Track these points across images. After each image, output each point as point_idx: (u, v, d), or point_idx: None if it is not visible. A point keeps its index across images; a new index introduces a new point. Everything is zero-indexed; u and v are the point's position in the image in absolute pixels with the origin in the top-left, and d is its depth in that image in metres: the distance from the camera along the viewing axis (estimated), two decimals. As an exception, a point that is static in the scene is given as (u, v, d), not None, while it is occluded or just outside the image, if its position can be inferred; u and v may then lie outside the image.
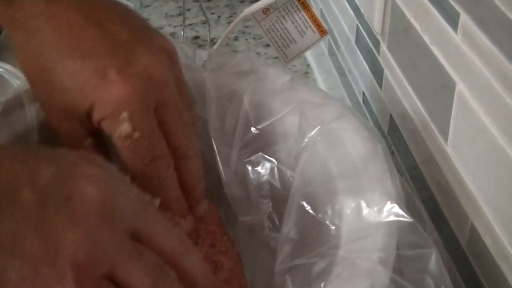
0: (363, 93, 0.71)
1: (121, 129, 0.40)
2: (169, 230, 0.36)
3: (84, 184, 0.33)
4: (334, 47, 0.82)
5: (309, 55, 0.89)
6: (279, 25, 0.65)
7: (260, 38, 0.95)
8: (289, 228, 0.41)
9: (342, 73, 0.79)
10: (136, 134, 0.40)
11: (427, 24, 0.51)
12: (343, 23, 0.76)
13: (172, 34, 0.95)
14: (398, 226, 0.39)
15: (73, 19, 0.42)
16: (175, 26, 0.99)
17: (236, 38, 0.95)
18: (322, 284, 0.37)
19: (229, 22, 0.99)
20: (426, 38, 0.51)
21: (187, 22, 0.97)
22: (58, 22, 0.42)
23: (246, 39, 0.96)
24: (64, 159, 0.35)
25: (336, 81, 0.81)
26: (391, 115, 0.62)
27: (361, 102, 0.72)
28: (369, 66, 0.68)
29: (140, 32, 0.44)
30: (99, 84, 0.40)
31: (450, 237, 0.49)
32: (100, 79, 0.40)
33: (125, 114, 0.40)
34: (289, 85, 0.48)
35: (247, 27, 0.97)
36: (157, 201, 0.40)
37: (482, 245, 0.45)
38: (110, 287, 0.32)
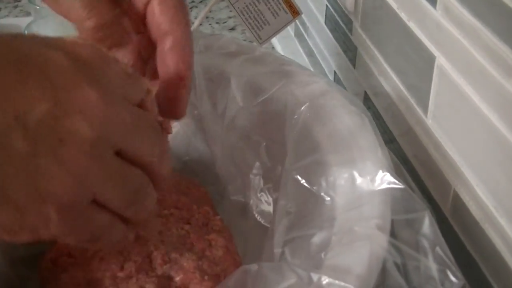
0: (335, 72, 0.72)
1: None
2: (153, 143, 0.36)
3: (78, 120, 0.32)
4: (301, 28, 0.83)
5: (273, 38, 0.90)
6: (252, 7, 0.66)
7: (224, 22, 0.95)
8: (286, 202, 0.42)
9: (310, 54, 0.81)
10: None
11: (404, 1, 0.52)
12: (311, 4, 0.77)
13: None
14: (391, 192, 0.40)
15: None
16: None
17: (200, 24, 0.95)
18: (323, 253, 0.38)
19: (192, 7, 0.99)
20: (403, 15, 0.53)
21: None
22: None
23: (210, 24, 0.96)
24: (60, 80, 0.32)
25: (304, 63, 0.83)
26: (365, 92, 0.64)
27: (333, 81, 0.73)
28: (340, 46, 0.69)
29: None
30: None
31: (433, 208, 0.51)
32: None
33: None
34: (276, 65, 0.49)
35: (210, 11, 0.97)
36: (154, 89, 0.39)
37: (466, 211, 0.47)
38: (91, 213, 0.33)
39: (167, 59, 0.41)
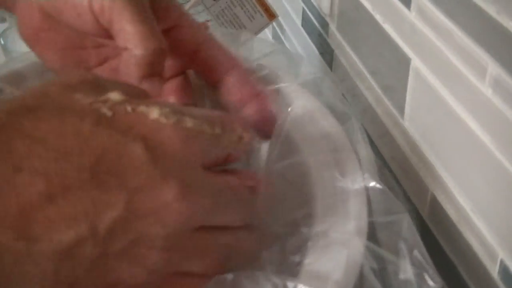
0: (312, 74, 0.72)
1: None
2: (237, 213, 0.36)
3: (150, 223, 0.32)
4: (278, 31, 0.83)
5: (251, 40, 0.90)
6: (228, 11, 0.66)
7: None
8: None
9: (288, 57, 0.80)
10: None
11: (378, 3, 0.52)
12: (287, 7, 0.77)
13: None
14: (371, 193, 0.40)
15: None
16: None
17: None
18: (298, 257, 0.38)
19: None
20: (378, 17, 0.52)
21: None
22: None
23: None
24: (136, 180, 0.31)
25: (282, 65, 0.82)
26: (342, 95, 0.63)
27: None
28: (317, 48, 0.69)
29: None
30: None
31: (410, 210, 0.51)
32: None
33: None
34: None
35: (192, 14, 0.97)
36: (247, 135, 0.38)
37: (444, 214, 0.47)
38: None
39: (243, 90, 0.44)
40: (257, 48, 0.50)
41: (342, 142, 0.43)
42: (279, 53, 0.50)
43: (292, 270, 0.36)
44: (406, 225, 0.38)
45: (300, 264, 0.37)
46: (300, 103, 0.46)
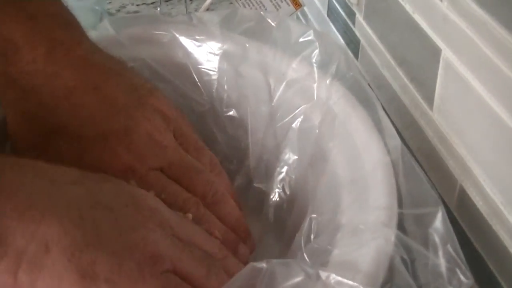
0: (337, 64, 0.71)
1: None
2: (207, 238, 0.40)
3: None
4: (303, 20, 0.82)
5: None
6: (254, -1, 0.66)
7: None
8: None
9: (311, 46, 0.80)
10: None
11: (408, -7, 0.52)
12: (313, -4, 0.77)
13: (136, 13, 0.94)
14: (403, 184, 0.40)
15: (71, 82, 0.42)
16: (137, 5, 0.97)
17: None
18: (329, 247, 0.38)
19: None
20: (407, 7, 0.52)
21: (149, 1, 0.96)
22: (56, 84, 0.42)
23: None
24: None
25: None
26: (368, 85, 0.63)
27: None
28: (343, 38, 0.68)
29: (134, 94, 0.44)
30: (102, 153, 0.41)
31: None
32: (101, 148, 0.41)
33: (132, 183, 0.41)
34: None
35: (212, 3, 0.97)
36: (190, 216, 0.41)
37: (473, 206, 0.46)
38: (174, 279, 0.35)
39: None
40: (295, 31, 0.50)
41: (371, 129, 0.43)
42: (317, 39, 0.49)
43: (322, 260, 0.36)
44: (440, 218, 0.38)
45: (330, 253, 0.37)
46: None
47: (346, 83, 0.46)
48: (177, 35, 0.52)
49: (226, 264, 0.39)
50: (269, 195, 0.48)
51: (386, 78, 0.58)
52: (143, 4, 0.91)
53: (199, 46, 0.51)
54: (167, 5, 0.94)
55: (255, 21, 0.51)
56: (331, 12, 0.71)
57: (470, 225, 0.47)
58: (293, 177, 0.46)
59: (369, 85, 0.63)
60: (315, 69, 0.47)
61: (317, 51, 0.48)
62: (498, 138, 0.42)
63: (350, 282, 0.33)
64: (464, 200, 0.47)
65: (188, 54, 0.51)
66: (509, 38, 0.39)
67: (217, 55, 0.51)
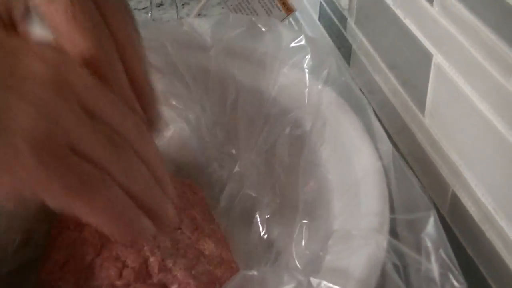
0: (329, 69, 0.71)
1: None
2: (124, 113, 0.33)
3: (33, 61, 0.31)
4: (294, 25, 0.82)
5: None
6: (245, 4, 0.65)
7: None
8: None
9: (303, 51, 0.80)
10: None
11: (400, -2, 0.52)
12: (304, 1, 0.76)
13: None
14: (395, 189, 0.40)
15: None
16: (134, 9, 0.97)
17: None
18: (321, 253, 0.38)
19: (184, 4, 0.98)
20: (398, 12, 0.52)
21: (140, 6, 0.95)
22: None
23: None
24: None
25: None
26: (360, 90, 0.63)
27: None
28: (334, 42, 0.68)
29: None
30: None
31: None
32: None
33: None
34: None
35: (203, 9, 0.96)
36: None
37: (465, 211, 0.46)
38: (73, 158, 0.30)
39: None
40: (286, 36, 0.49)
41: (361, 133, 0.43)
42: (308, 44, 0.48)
43: (314, 267, 0.36)
44: (432, 223, 0.38)
45: (321, 260, 0.36)
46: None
47: (338, 88, 0.46)
48: (167, 42, 0.51)
49: (139, 147, 0.33)
50: (260, 201, 0.48)
51: (378, 83, 0.58)
52: (134, 9, 0.91)
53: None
54: (159, 10, 0.94)
55: (246, 27, 0.51)
56: (323, 17, 0.71)
57: (462, 230, 0.47)
58: (284, 182, 0.46)
59: (360, 90, 0.63)
60: (307, 74, 0.47)
61: (308, 56, 0.48)
62: (489, 143, 0.42)
63: (342, 289, 0.33)
64: (456, 205, 0.47)
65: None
66: (499, 43, 0.39)
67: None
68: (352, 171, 0.41)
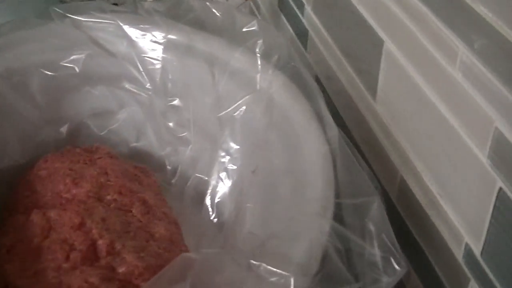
0: (288, 55, 0.71)
1: None
2: None
3: None
4: (255, 10, 0.82)
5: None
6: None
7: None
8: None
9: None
10: None
11: (354, -15, 0.52)
12: (265, -13, 0.76)
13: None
14: (341, 174, 0.40)
15: None
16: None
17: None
18: (264, 237, 0.38)
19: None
20: (353, -1, 0.52)
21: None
22: None
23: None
24: None
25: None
26: (317, 77, 0.63)
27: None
28: (293, 29, 0.68)
29: None
30: None
31: (380, 193, 0.51)
32: None
33: None
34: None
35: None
36: None
37: (412, 197, 0.47)
38: None
39: None
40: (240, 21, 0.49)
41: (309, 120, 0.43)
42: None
43: (256, 250, 0.36)
44: (376, 207, 0.38)
45: (263, 243, 0.37)
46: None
47: (288, 73, 0.46)
48: (122, 24, 0.51)
49: None
50: (210, 184, 0.48)
51: (334, 70, 0.59)
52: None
53: (143, 35, 0.51)
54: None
55: (200, 11, 0.51)
56: (282, 3, 0.71)
57: (409, 216, 0.48)
58: (234, 166, 0.46)
59: (317, 76, 0.63)
60: (259, 59, 0.47)
61: (260, 41, 0.48)
62: (435, 130, 0.43)
63: (281, 272, 0.33)
64: (404, 191, 0.48)
65: (132, 42, 0.51)
66: (446, 32, 0.40)
67: (161, 44, 0.50)
68: (299, 156, 0.41)
